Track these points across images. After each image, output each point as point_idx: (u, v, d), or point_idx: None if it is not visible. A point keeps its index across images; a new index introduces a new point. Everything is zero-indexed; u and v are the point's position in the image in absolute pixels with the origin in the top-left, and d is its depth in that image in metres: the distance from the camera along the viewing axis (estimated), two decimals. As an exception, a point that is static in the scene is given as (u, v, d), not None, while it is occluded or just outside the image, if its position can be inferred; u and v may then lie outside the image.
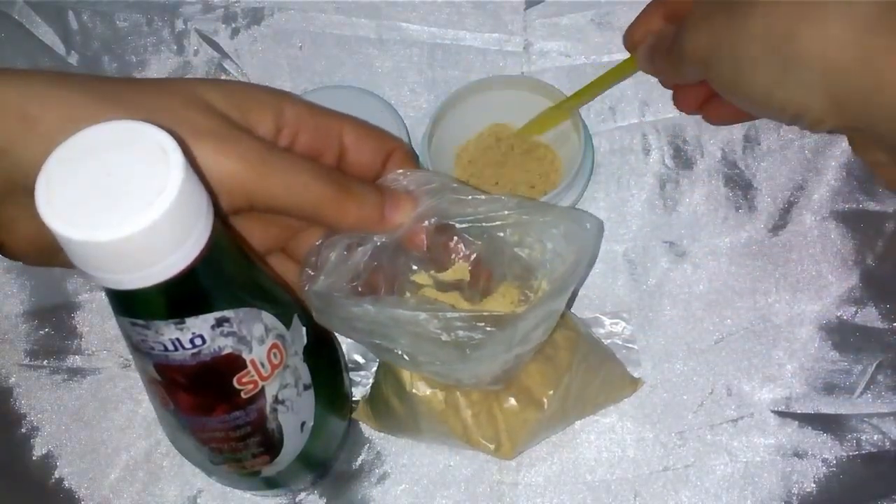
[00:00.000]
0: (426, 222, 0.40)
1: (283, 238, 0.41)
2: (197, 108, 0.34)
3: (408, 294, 0.42)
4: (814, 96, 0.35)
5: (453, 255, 0.42)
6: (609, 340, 0.50)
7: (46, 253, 0.30)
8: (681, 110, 0.47)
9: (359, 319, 0.38)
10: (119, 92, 0.34)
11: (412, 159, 0.42)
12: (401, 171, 0.40)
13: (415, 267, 0.42)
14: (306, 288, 0.39)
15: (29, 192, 0.26)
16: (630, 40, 0.46)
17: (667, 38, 0.41)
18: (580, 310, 0.51)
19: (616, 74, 0.49)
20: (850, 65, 0.33)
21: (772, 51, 0.35)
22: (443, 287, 0.43)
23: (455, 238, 0.41)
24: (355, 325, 0.38)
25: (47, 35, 0.59)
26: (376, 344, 0.39)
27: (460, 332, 0.38)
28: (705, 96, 0.45)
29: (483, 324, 0.38)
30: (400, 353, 0.39)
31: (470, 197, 0.40)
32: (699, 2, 0.39)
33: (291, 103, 0.38)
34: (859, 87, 0.34)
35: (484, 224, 0.41)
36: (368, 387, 0.49)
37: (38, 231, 0.26)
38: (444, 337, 0.38)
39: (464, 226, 0.41)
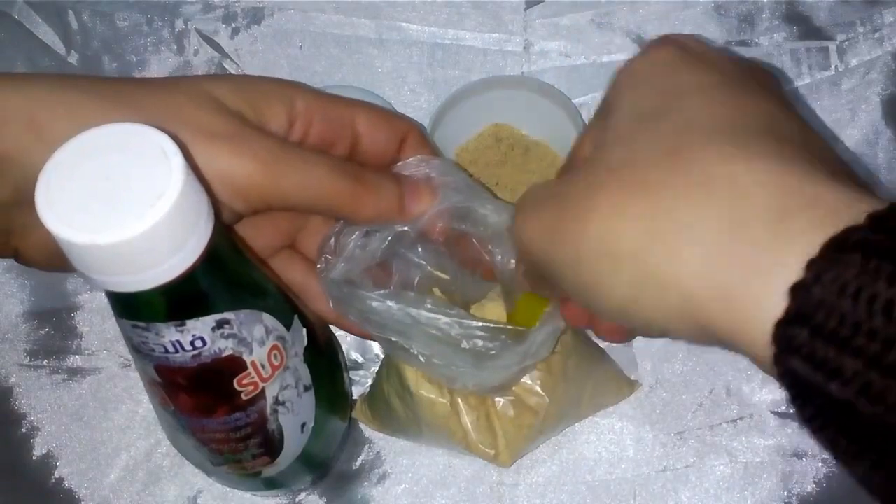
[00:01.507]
0: (449, 224, 0.39)
1: (292, 231, 0.40)
2: (208, 108, 0.34)
3: (427, 289, 0.42)
4: (677, 321, 0.28)
5: (469, 252, 0.41)
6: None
7: (60, 259, 0.30)
8: (567, 322, 0.39)
9: (376, 313, 0.37)
10: (128, 94, 0.34)
11: (427, 142, 0.41)
12: (421, 157, 0.40)
13: (432, 259, 0.42)
14: (323, 275, 0.38)
15: None
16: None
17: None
18: (580, 310, 0.51)
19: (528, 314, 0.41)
20: (708, 301, 0.26)
21: (618, 268, 0.28)
22: (457, 278, 0.43)
23: (471, 241, 0.41)
24: (371, 318, 0.38)
25: (47, 35, 0.59)
26: (391, 340, 0.39)
27: (479, 342, 0.38)
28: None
29: (504, 336, 0.38)
30: (415, 352, 0.39)
31: (492, 201, 0.40)
32: (524, 202, 0.34)
33: (302, 94, 0.37)
34: (721, 322, 0.26)
35: (504, 232, 0.40)
36: (367, 386, 0.49)
37: (50, 238, 0.26)
38: (464, 344, 0.37)
39: (480, 230, 0.40)
